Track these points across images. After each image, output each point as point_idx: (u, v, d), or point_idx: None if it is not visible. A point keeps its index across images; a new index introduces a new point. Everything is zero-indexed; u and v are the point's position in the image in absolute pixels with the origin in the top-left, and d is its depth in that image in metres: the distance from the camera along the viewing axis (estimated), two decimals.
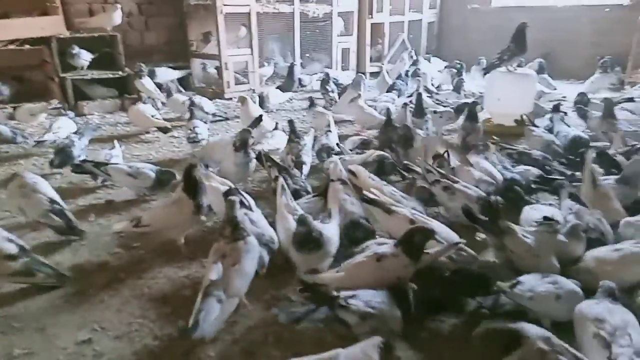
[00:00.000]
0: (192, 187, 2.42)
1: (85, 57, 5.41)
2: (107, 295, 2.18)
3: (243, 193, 2.50)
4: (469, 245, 2.22)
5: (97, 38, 5.57)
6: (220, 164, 3.29)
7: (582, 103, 4.68)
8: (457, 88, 5.81)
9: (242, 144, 3.09)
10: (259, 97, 5.25)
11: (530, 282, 1.90)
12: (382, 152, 3.37)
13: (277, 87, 5.87)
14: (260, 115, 3.93)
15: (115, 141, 3.81)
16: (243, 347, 1.84)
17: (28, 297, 2.16)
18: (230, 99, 6.11)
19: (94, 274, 2.35)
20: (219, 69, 6.30)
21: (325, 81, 5.79)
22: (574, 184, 2.91)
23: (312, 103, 4.74)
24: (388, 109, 3.99)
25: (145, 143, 4.51)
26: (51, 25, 5.25)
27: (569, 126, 4.04)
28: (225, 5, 5.85)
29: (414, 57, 7.09)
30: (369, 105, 4.79)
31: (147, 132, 4.71)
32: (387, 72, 6.35)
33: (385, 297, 1.83)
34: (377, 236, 2.41)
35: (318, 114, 4.53)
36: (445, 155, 3.14)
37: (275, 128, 4.07)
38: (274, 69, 6.95)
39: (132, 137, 4.68)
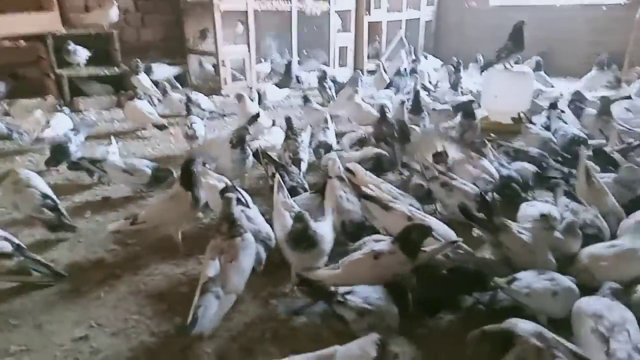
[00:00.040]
0: (190, 180, 2.42)
1: (81, 54, 5.39)
2: (103, 291, 2.17)
3: (240, 190, 2.50)
4: (466, 242, 2.22)
5: (94, 34, 5.54)
6: (217, 161, 3.28)
7: (577, 101, 4.69)
8: (455, 85, 5.81)
9: (239, 141, 3.08)
10: (258, 93, 5.24)
11: (527, 279, 1.91)
12: (379, 150, 3.37)
13: (275, 84, 5.86)
14: (257, 113, 3.92)
15: (112, 137, 3.79)
16: (240, 344, 1.84)
17: (25, 294, 2.15)
18: (227, 95, 6.10)
19: (91, 271, 2.34)
20: (215, 66, 6.28)
21: (322, 78, 5.78)
22: (571, 181, 2.92)
23: (306, 99, 4.73)
24: (382, 105, 3.99)
25: (142, 139, 4.50)
26: (47, 22, 5.22)
27: (566, 123, 4.05)
28: (222, 2, 5.83)
29: (414, 55, 7.09)
30: (367, 103, 4.79)
31: (144, 129, 4.70)
32: (385, 70, 6.34)
33: (383, 293, 1.84)
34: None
35: (312, 110, 4.52)
36: (444, 152, 3.14)
37: (273, 125, 4.06)
38: (271, 66, 6.94)
39: (128, 133, 4.67)
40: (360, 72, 5.66)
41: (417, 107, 4.36)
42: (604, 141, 3.87)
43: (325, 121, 3.99)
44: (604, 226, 2.39)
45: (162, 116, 4.81)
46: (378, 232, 2.41)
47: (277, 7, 6.48)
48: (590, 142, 3.79)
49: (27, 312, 2.04)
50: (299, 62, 7.06)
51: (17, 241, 2.19)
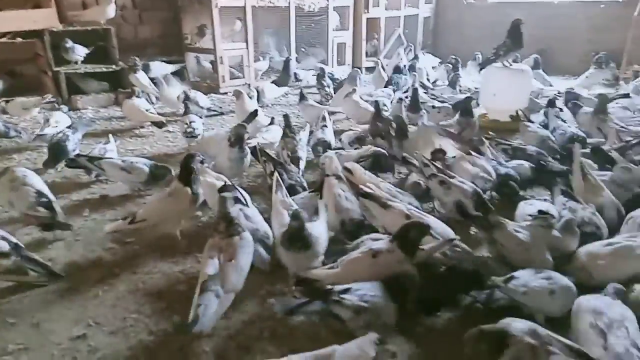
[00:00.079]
0: (189, 176, 2.41)
1: (79, 52, 5.36)
2: (101, 290, 2.17)
3: (238, 188, 2.49)
4: (464, 240, 2.23)
5: (91, 31, 5.50)
6: (215, 159, 3.27)
7: (572, 99, 4.69)
8: (453, 83, 5.81)
9: (237, 139, 3.07)
10: (257, 91, 5.23)
11: (525, 277, 1.91)
12: (378, 148, 3.36)
13: (273, 82, 5.85)
14: (256, 110, 3.91)
15: (110, 135, 3.78)
16: (238, 342, 1.84)
17: (22, 293, 2.14)
18: (225, 93, 6.08)
19: (89, 270, 2.34)
20: (213, 63, 6.27)
21: (320, 76, 5.77)
22: (569, 178, 2.93)
23: (302, 96, 4.72)
24: (376, 101, 3.97)
25: (140, 137, 4.48)
26: (44, 18, 5.18)
27: (564, 121, 4.06)
28: None
29: (413, 52, 7.08)
30: (365, 101, 4.79)
31: (142, 127, 4.68)
32: (383, 67, 6.33)
33: (379, 290, 1.83)
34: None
35: (308, 107, 4.50)
36: (442, 150, 3.13)
37: (271, 123, 4.05)
38: (270, 63, 6.92)
39: (126, 131, 4.65)
40: (359, 70, 5.63)
41: (415, 105, 4.36)
42: (603, 139, 3.88)
43: (324, 119, 3.99)
44: (602, 224, 2.40)
45: (160, 114, 4.80)
46: (377, 231, 2.41)
47: (275, 3, 6.46)
48: (588, 140, 3.80)
49: (25, 311, 2.03)
50: (297, 60, 7.04)
51: (14, 240, 2.18)
